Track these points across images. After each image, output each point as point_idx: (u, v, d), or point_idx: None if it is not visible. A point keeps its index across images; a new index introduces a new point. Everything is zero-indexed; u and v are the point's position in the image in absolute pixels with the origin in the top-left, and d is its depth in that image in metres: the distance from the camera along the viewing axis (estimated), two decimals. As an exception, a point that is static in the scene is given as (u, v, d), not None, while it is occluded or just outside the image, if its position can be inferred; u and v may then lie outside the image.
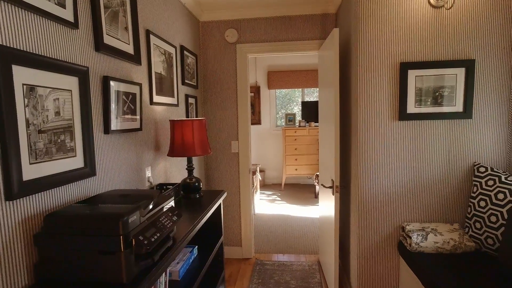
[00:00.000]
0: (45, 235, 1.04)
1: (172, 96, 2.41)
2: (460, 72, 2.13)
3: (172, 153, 2.06)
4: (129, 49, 1.69)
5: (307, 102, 6.47)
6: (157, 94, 2.12)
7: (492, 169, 2.04)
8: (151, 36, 1.98)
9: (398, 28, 2.14)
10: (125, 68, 1.70)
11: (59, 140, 1.20)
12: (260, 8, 3.11)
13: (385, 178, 2.23)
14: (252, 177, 4.86)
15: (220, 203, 2.28)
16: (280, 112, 7.12)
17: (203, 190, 2.36)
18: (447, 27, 2.11)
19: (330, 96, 2.46)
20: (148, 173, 2.01)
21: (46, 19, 1.15)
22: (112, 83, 1.51)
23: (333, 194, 2.42)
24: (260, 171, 6.53)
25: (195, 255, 1.99)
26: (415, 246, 2.02)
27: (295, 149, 6.07)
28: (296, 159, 6.09)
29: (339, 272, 2.87)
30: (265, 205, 5.38)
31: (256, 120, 6.72)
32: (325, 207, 2.81)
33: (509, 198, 1.86)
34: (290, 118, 6.57)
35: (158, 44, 2.11)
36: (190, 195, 2.16)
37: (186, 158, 2.23)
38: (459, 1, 2.08)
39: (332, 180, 2.44)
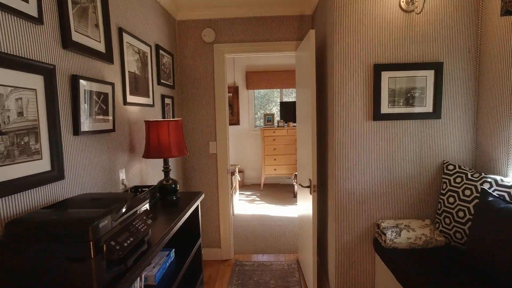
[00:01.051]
0: (6, 244, 0.97)
1: (147, 96, 2.34)
2: (430, 74, 2.21)
3: (148, 154, 2.01)
4: (100, 47, 1.63)
5: (286, 102, 6.53)
6: (131, 94, 2.05)
7: (459, 167, 2.14)
8: (124, 34, 1.92)
9: (371, 31, 2.19)
10: (96, 66, 1.63)
11: (22, 142, 1.13)
12: (237, 8, 3.09)
13: (361, 177, 2.28)
14: (231, 178, 4.83)
15: (198, 205, 2.25)
16: (259, 113, 7.13)
17: (180, 192, 2.32)
18: (418, 31, 2.19)
19: (307, 96, 2.49)
20: (122, 176, 1.95)
21: (6, 13, 1.08)
22: (82, 82, 1.44)
23: (310, 194, 2.45)
24: (239, 171, 6.51)
25: (172, 259, 1.94)
26: (389, 242, 2.08)
27: (274, 149, 6.10)
28: (275, 159, 6.12)
29: (317, 270, 2.91)
30: (245, 206, 5.37)
31: (234, 120, 6.69)
32: (303, 206, 2.85)
33: (475, 194, 1.96)
34: (268, 119, 6.60)
35: (131, 43, 2.05)
36: (167, 197, 2.11)
37: (162, 159, 2.18)
38: (428, 6, 2.16)
39: (309, 179, 2.47)
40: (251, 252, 3.61)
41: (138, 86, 2.18)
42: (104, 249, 1.00)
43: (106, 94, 1.67)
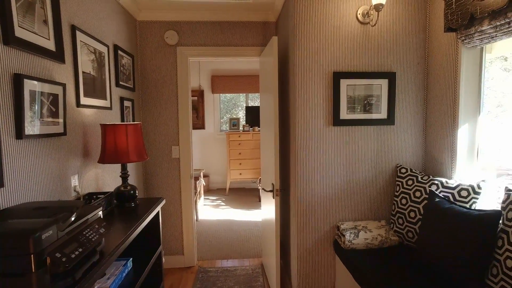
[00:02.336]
0: None
1: (104, 98, 2.23)
2: (384, 83, 2.35)
3: (104, 159, 1.91)
4: (50, 45, 1.52)
5: (251, 107, 6.57)
6: (86, 95, 1.94)
7: (411, 170, 2.28)
8: (78, 33, 1.82)
9: (331, 40, 2.28)
10: (45, 66, 1.52)
11: (-47, 147, 1.02)
12: (201, 11, 3.07)
13: (322, 181, 2.35)
14: (195, 183, 4.74)
15: (158, 211, 2.18)
16: (225, 117, 7.10)
17: (140, 198, 2.23)
18: (373, 42, 2.32)
19: (270, 101, 2.53)
20: (75, 182, 1.83)
21: None
22: (26, 82, 1.34)
23: (273, 198, 2.47)
24: (204, 176, 6.42)
25: (129, 268, 1.85)
26: (348, 243, 2.16)
27: (239, 153, 6.10)
28: (240, 164, 6.12)
29: (281, 273, 2.93)
30: (209, 211, 5.29)
31: (200, 124, 6.60)
32: (267, 210, 2.86)
33: (424, 195, 2.10)
34: (234, 123, 6.59)
35: (86, 42, 1.94)
36: (125, 204, 2.02)
37: (120, 164, 2.08)
38: (382, 19, 2.30)
39: (272, 184, 2.50)
40: (215, 258, 3.56)
41: (94, 87, 2.07)
42: (48, 261, 0.93)
43: (56, 95, 1.56)
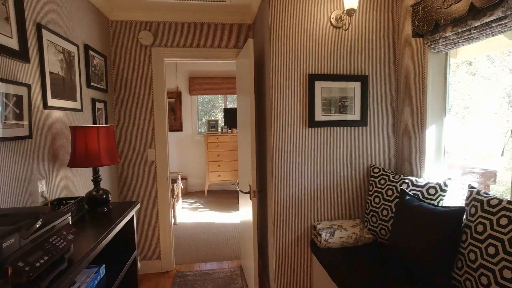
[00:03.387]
0: None
1: (74, 100, 2.15)
2: (357, 85, 2.42)
3: (74, 163, 1.84)
4: (12, 43, 1.45)
5: (230, 108, 6.55)
6: (54, 97, 1.87)
7: (384, 170, 2.36)
8: (44, 31, 1.74)
9: (306, 43, 2.32)
10: (7, 65, 1.45)
11: None
12: (177, 12, 3.03)
13: (298, 181, 2.38)
14: (173, 186, 4.67)
15: (133, 215, 2.12)
16: (203, 119, 7.04)
17: (113, 202, 2.16)
18: (347, 46, 2.38)
19: (246, 103, 2.53)
20: (42, 187, 1.75)
21: None
22: (-13, 82, 1.27)
23: (251, 199, 2.48)
24: (182, 178, 6.32)
25: (102, 275, 1.79)
26: (324, 242, 2.20)
27: (218, 155, 6.06)
28: (219, 166, 6.08)
29: (259, 274, 2.94)
30: (188, 214, 5.22)
31: (177, 126, 6.50)
32: (245, 211, 2.86)
33: (395, 194, 2.18)
34: (212, 125, 6.54)
35: (53, 41, 1.87)
36: (97, 209, 1.95)
37: (91, 168, 2.01)
38: (354, 24, 2.37)
39: (249, 185, 2.50)
40: (193, 261, 3.51)
41: (63, 88, 1.99)
42: (10, 271, 0.88)
43: (20, 97, 1.49)
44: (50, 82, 1.80)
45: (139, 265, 3.06)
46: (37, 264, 0.96)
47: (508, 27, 1.53)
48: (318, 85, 2.36)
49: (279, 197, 2.35)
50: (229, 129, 6.31)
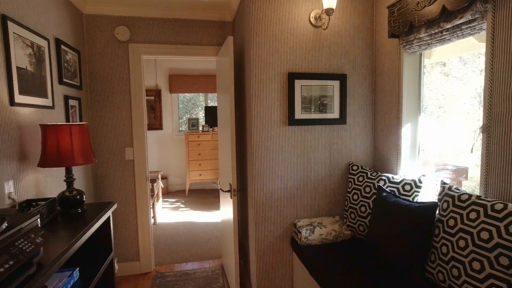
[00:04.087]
0: None
1: (45, 96, 2.06)
2: (336, 84, 2.45)
3: (44, 163, 1.76)
4: (-25, 36, 1.36)
5: (211, 107, 6.49)
6: (22, 93, 1.77)
7: (362, 167, 2.41)
8: (10, 23, 1.65)
9: (286, 42, 2.33)
10: (-30, 59, 1.36)
11: None
12: (154, 7, 2.96)
13: (278, 179, 2.39)
14: (152, 185, 4.57)
15: (109, 216, 2.06)
16: (184, 117, 6.94)
17: (88, 203, 2.09)
18: (326, 45, 2.41)
19: (226, 101, 2.51)
20: (9, 189, 1.66)
21: None
22: None
23: (231, 198, 2.46)
24: (162, 178, 6.21)
25: (75, 279, 1.72)
26: (304, 240, 2.22)
27: (199, 154, 6.00)
28: (200, 164, 6.02)
29: (240, 273, 2.93)
30: (168, 214, 5.14)
31: (157, 125, 6.37)
32: (225, 210, 2.85)
33: (373, 191, 2.23)
34: (193, 123, 6.46)
35: (21, 34, 1.77)
36: (71, 210, 1.88)
37: (64, 168, 1.93)
38: (333, 24, 2.39)
39: (230, 184, 2.48)
40: (174, 262, 3.46)
41: (33, 84, 1.90)
42: (-30, 278, 0.83)
43: (-16, 93, 1.41)
44: (17, 77, 1.71)
45: (116, 267, 2.98)
46: (1, 270, 0.91)
47: (477, 30, 1.59)
48: (298, 83, 2.37)
49: (259, 195, 2.35)
50: (210, 127, 6.26)
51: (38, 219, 1.23)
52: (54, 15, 2.26)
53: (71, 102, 2.47)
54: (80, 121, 2.69)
